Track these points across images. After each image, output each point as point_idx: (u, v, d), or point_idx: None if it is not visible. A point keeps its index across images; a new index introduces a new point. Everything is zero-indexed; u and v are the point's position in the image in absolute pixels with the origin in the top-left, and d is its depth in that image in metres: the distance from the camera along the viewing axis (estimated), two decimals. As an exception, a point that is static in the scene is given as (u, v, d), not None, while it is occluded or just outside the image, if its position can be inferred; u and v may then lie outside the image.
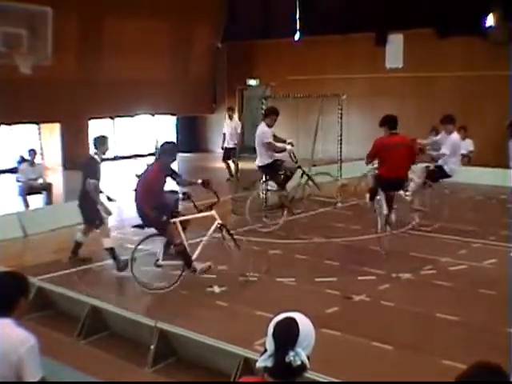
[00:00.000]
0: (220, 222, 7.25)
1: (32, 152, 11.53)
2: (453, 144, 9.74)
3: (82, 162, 8.31)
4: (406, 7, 16.90)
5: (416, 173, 9.66)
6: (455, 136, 9.93)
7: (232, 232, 7.53)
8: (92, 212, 7.99)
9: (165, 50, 19.15)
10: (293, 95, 12.98)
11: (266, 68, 20.03)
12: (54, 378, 3.55)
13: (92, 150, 8.26)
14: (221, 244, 7.33)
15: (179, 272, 7.09)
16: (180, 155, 16.75)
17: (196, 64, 20.53)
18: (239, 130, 15.45)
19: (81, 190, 8.09)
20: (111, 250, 7.88)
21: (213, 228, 7.23)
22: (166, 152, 7.28)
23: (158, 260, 7.29)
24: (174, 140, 21.64)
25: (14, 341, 2.96)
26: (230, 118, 15.63)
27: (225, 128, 15.58)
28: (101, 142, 8.09)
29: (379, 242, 8.26)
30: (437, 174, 9.77)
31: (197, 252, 7.18)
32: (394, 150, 8.16)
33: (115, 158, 19.04)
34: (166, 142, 7.54)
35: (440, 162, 9.81)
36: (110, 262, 8.20)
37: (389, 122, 8.38)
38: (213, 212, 7.29)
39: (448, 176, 9.84)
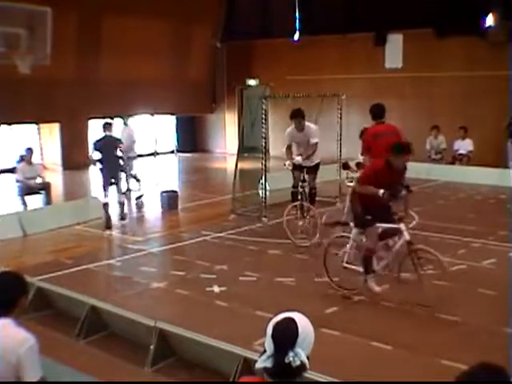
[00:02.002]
0: (408, 238, 6.34)
1: (29, 151, 11.52)
2: None
3: (109, 140, 10.37)
4: (405, 7, 16.89)
5: None
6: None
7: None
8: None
9: (164, 49, 19.15)
10: (292, 95, 12.97)
11: (266, 68, 20.03)
12: (54, 378, 3.55)
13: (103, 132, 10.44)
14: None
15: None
16: (179, 155, 16.88)
17: (195, 64, 20.53)
18: (134, 138, 13.49)
19: (113, 160, 10.41)
20: (107, 206, 10.19)
21: (400, 243, 6.45)
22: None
23: (343, 261, 6.84)
24: (175, 140, 21.73)
25: (13, 341, 2.95)
26: (125, 124, 13.87)
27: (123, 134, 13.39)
28: (109, 125, 10.54)
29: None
30: None
31: (382, 263, 6.69)
32: (381, 138, 7.68)
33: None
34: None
35: None
36: (110, 261, 8.25)
37: (372, 112, 8.08)
38: (401, 225, 6.45)
39: None
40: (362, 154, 8.21)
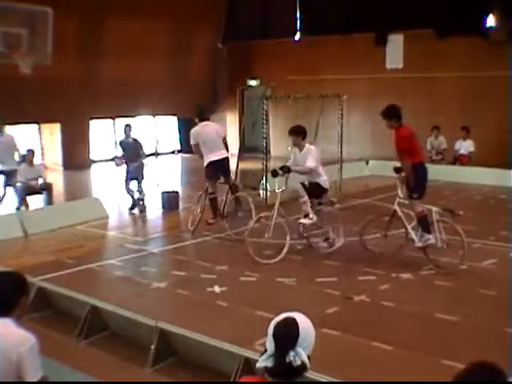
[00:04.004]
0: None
1: (30, 152, 11.52)
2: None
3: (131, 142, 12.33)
4: (406, 7, 16.90)
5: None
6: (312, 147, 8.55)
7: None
8: None
9: (165, 50, 19.17)
10: (293, 95, 12.98)
11: (266, 68, 20.03)
12: (54, 377, 3.55)
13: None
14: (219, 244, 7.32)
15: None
16: (181, 155, 16.87)
17: (196, 64, 20.54)
18: (17, 147, 11.64)
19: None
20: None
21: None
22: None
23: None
24: (177, 140, 21.71)
25: (14, 340, 2.96)
26: (1, 132, 11.64)
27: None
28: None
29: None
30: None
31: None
32: (415, 138, 7.71)
33: (115, 158, 18.99)
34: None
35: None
36: (111, 261, 8.25)
37: (398, 114, 7.61)
38: None
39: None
40: (401, 159, 7.70)
